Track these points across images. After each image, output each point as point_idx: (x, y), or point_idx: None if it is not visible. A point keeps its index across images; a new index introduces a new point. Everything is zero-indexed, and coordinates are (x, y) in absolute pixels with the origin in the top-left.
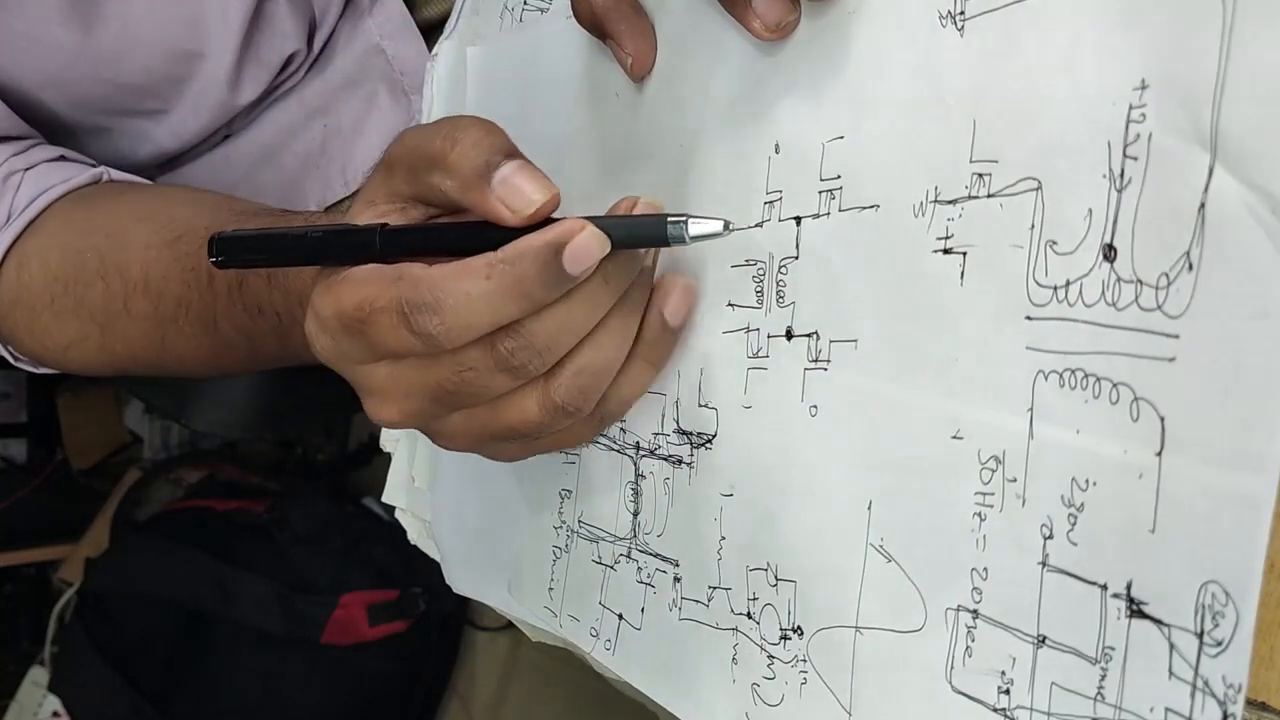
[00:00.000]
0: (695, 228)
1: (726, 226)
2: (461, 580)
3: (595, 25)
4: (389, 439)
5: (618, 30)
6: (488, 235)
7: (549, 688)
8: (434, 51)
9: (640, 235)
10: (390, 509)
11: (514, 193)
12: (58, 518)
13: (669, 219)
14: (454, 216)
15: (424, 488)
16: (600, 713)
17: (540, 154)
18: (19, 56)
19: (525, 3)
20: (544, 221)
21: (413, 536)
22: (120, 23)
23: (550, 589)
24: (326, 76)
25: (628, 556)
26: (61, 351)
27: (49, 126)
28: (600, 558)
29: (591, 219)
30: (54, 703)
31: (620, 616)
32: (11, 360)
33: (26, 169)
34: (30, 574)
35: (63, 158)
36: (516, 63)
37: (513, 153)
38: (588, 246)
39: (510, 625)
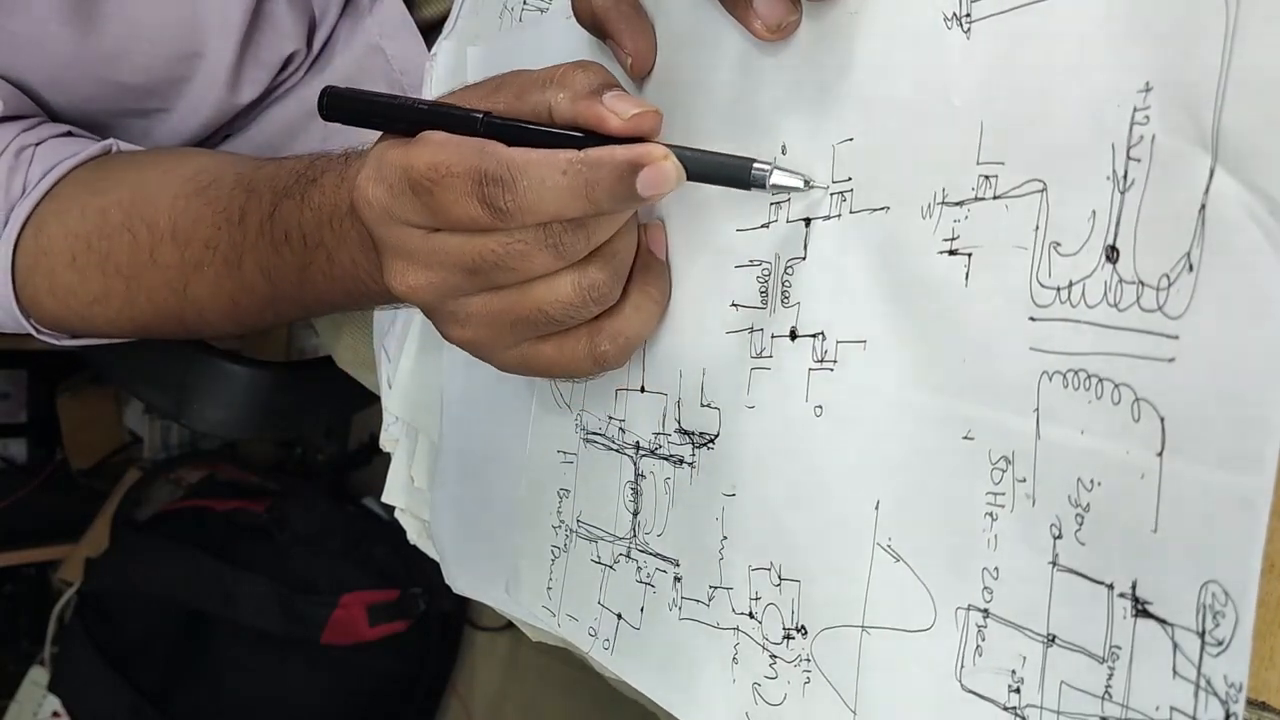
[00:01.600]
0: (778, 178)
1: (807, 183)
2: (461, 580)
3: (595, 25)
4: (389, 439)
5: (618, 30)
6: (583, 141)
7: (549, 688)
8: (433, 51)
9: (720, 174)
10: (390, 509)
11: (619, 104)
12: (58, 518)
13: (754, 165)
14: None
15: (424, 488)
16: (600, 713)
17: None
18: (20, 57)
19: (525, 3)
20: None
21: (413, 536)
22: (120, 23)
23: (549, 588)
24: (326, 76)
25: (627, 556)
26: (85, 308)
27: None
28: (599, 557)
29: (675, 148)
30: (54, 703)
31: (619, 616)
32: (35, 333)
33: (38, 144)
34: (30, 574)
35: (70, 133)
36: (516, 62)
37: (620, 87)
38: (664, 175)
39: (510, 625)
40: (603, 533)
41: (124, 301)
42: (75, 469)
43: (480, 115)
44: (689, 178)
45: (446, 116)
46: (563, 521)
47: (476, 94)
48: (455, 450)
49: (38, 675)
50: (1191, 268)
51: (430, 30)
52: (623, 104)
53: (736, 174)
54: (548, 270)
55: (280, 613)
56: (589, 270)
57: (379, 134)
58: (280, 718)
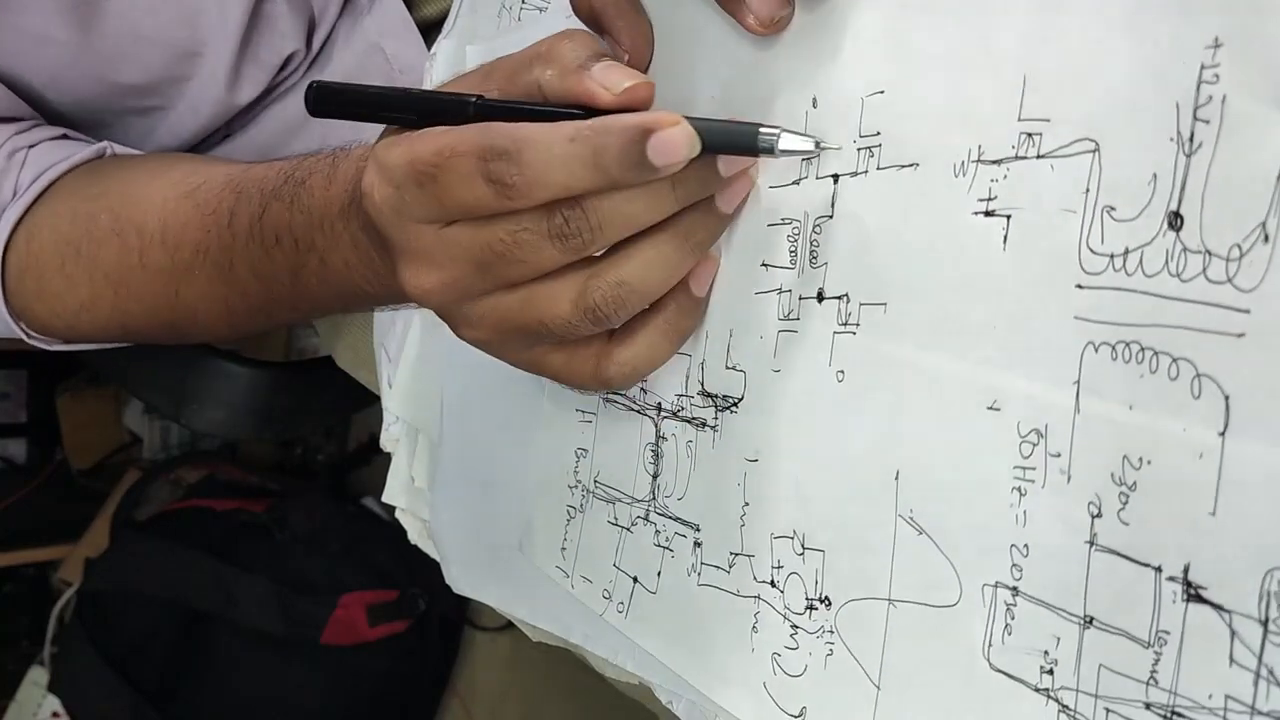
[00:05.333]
0: (786, 142)
1: (818, 145)
2: (461, 580)
3: (593, 21)
4: (389, 439)
5: (615, 26)
6: (578, 118)
7: (549, 688)
8: (433, 50)
9: (731, 141)
10: (390, 509)
11: (608, 77)
12: (58, 518)
13: (761, 129)
14: None
15: (424, 488)
16: (600, 713)
17: None
18: (20, 56)
19: (524, 2)
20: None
21: (413, 536)
22: (119, 22)
23: (563, 549)
24: (325, 75)
25: (645, 519)
26: (74, 315)
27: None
28: (616, 519)
29: (687, 118)
30: (54, 703)
31: (635, 580)
32: (25, 338)
33: (30, 146)
34: (30, 574)
35: (64, 136)
36: None
37: (607, 56)
38: (675, 140)
39: (510, 625)
40: (621, 494)
41: (112, 308)
42: (75, 469)
43: (473, 99)
44: (704, 148)
45: (438, 102)
46: (579, 481)
47: (468, 82)
48: (455, 450)
49: (38, 675)
50: (1267, 239)
51: (430, 29)
52: (613, 75)
53: (743, 140)
54: (555, 264)
55: (280, 613)
56: (589, 292)
57: (376, 133)
58: (280, 718)
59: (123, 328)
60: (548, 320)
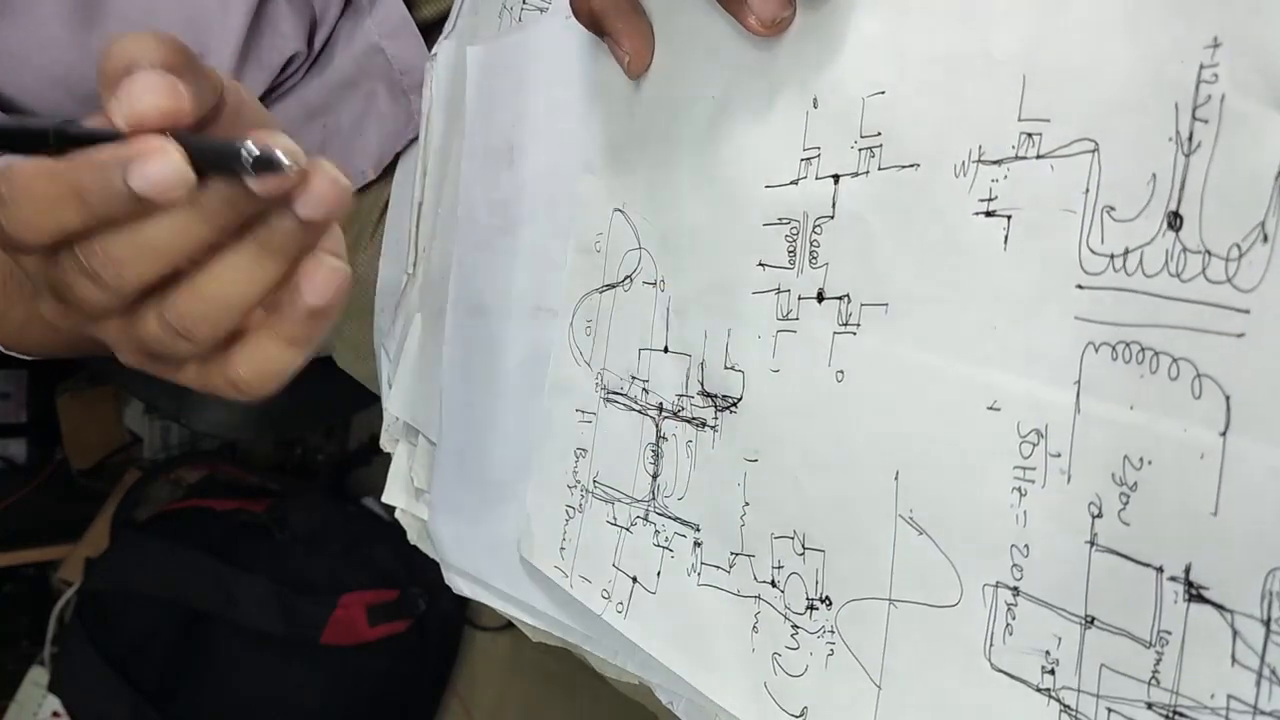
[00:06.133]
0: (253, 147)
1: (294, 165)
2: (461, 581)
3: (594, 23)
4: (389, 439)
5: (615, 29)
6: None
7: (549, 688)
8: (433, 51)
9: (220, 158)
10: (390, 509)
11: (130, 99)
12: (58, 518)
13: (243, 146)
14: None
15: (424, 488)
16: (600, 713)
17: (542, 152)
18: (25, 59)
19: (525, 2)
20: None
21: (413, 537)
22: (121, 23)
23: (562, 548)
24: (326, 76)
25: (645, 519)
26: (16, 333)
27: None
28: (616, 519)
29: (182, 134)
30: (54, 703)
31: (634, 580)
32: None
33: None
34: (30, 574)
35: None
36: (516, 62)
37: (175, 62)
38: (158, 171)
39: (510, 625)
40: (620, 494)
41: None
42: (75, 469)
43: (52, 128)
44: (201, 171)
45: (17, 132)
46: (579, 481)
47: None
48: (455, 450)
49: (38, 675)
50: (1266, 238)
51: (430, 30)
52: (128, 103)
53: (228, 156)
54: (109, 300)
55: (280, 613)
56: (168, 306)
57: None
58: (280, 718)
59: (53, 349)
60: (147, 340)
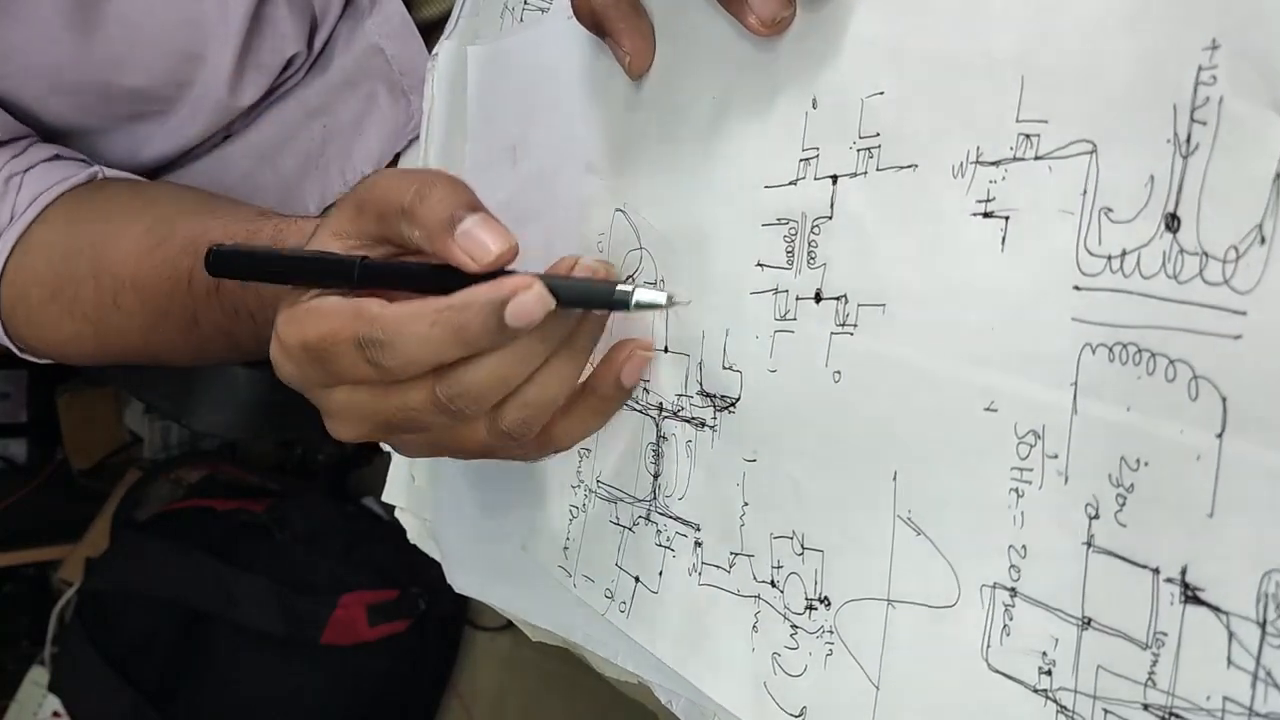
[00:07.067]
0: (642, 295)
1: (670, 301)
2: (461, 580)
3: (594, 24)
4: None
5: (616, 29)
6: (450, 277)
7: (549, 688)
8: (434, 52)
9: (589, 297)
10: (390, 509)
11: (475, 244)
12: (58, 518)
13: (617, 288)
14: (420, 256)
15: (424, 487)
16: (600, 713)
17: (543, 152)
18: (23, 62)
19: (526, 3)
20: (504, 271)
21: (413, 536)
22: (121, 26)
23: (565, 548)
24: (326, 77)
25: (647, 519)
26: (61, 346)
27: (51, 130)
28: (618, 519)
29: (543, 276)
30: (54, 703)
31: (637, 579)
32: (17, 353)
33: (26, 170)
34: (30, 574)
35: (58, 156)
36: (517, 62)
37: (476, 206)
38: (531, 306)
39: (510, 625)
40: (623, 494)
41: (95, 345)
42: (75, 469)
43: (357, 260)
44: (560, 304)
45: (326, 264)
46: (582, 481)
47: (345, 219)
48: None
49: (38, 675)
50: (1263, 240)
51: (431, 30)
52: (476, 247)
53: (602, 296)
54: (442, 424)
55: (280, 613)
56: (502, 417)
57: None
58: (280, 718)
59: (107, 358)
60: (469, 447)
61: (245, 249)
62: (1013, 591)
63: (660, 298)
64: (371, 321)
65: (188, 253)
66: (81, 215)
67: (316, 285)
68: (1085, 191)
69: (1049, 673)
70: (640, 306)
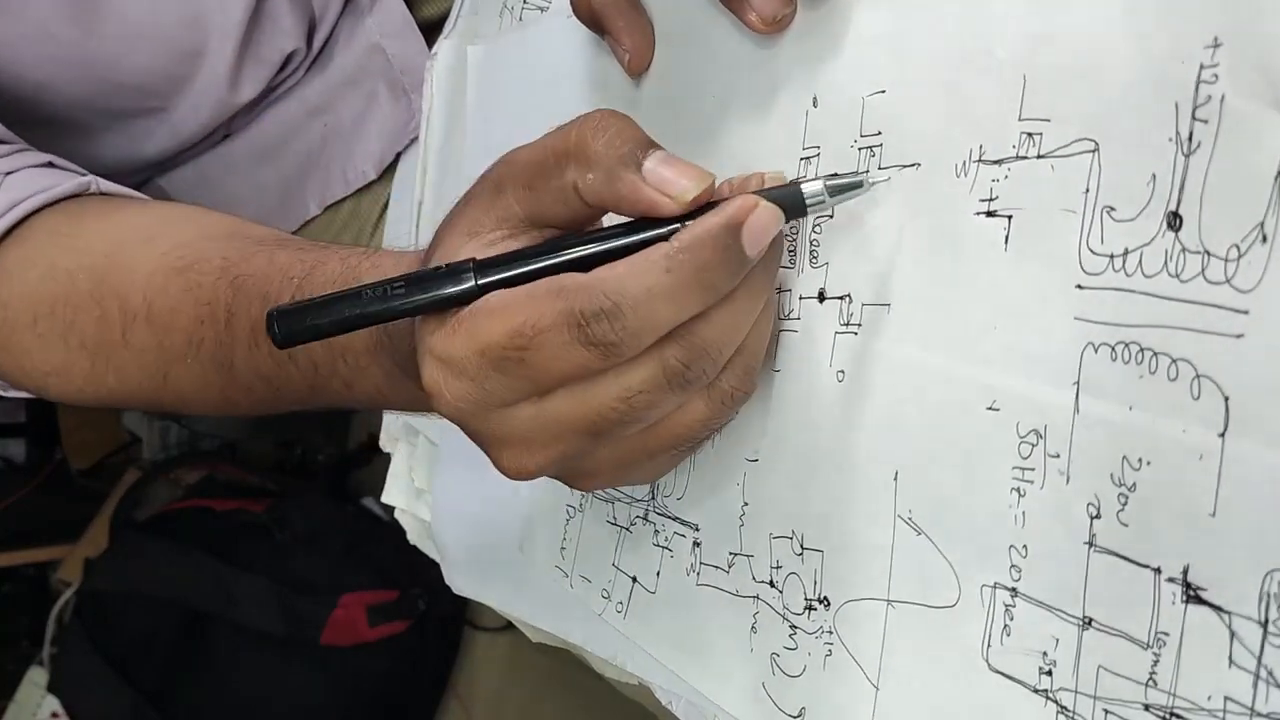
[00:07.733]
0: (836, 182)
1: (868, 183)
2: (461, 580)
3: (594, 22)
4: (389, 439)
5: (616, 27)
6: (596, 246)
7: (549, 688)
8: (434, 50)
9: (792, 207)
10: (390, 509)
11: (667, 181)
12: (57, 518)
13: (802, 185)
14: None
15: (424, 487)
16: (600, 713)
17: None
18: (21, 58)
19: (525, 2)
20: (698, 212)
21: (413, 537)
22: (120, 22)
23: (562, 548)
24: (326, 75)
25: (645, 519)
26: (41, 377)
27: (49, 127)
28: (615, 519)
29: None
30: (53, 703)
31: (634, 579)
32: None
33: (8, 173)
34: (30, 574)
35: (50, 164)
36: (516, 61)
37: (653, 143)
38: (765, 223)
39: (510, 625)
40: (620, 494)
41: (87, 378)
42: (75, 469)
43: (471, 266)
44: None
45: (424, 292)
46: None
47: (477, 210)
48: (455, 450)
49: (37, 675)
50: (1265, 239)
51: (431, 29)
52: (670, 176)
53: (795, 202)
54: (677, 407)
55: (280, 613)
56: (715, 395)
57: (375, 133)
58: (280, 718)
59: (96, 395)
60: (683, 433)
61: (316, 300)
62: (1013, 591)
63: (858, 180)
64: (587, 292)
65: (227, 284)
66: (75, 232)
67: (422, 313)
68: (1087, 190)
69: (1049, 673)
70: (839, 191)
